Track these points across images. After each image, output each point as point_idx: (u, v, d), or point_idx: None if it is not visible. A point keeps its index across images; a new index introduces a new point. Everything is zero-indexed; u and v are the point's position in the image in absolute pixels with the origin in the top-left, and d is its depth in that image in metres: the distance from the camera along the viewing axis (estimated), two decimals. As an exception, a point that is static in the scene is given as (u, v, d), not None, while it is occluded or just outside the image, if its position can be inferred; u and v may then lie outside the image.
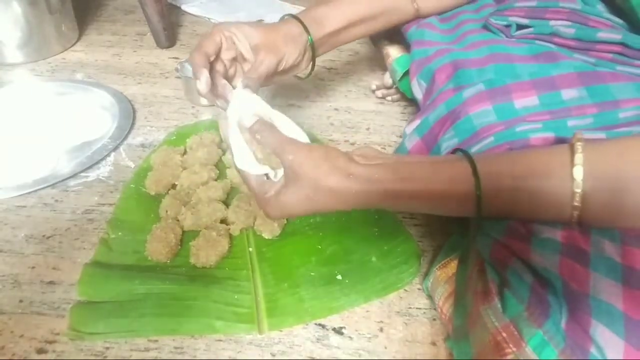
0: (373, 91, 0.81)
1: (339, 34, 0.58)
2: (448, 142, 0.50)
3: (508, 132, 0.44)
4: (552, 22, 0.50)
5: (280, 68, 0.52)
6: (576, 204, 0.32)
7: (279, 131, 0.40)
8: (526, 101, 0.47)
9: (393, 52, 0.68)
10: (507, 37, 0.54)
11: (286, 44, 0.52)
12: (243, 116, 0.43)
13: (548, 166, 0.34)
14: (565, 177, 0.32)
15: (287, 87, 0.82)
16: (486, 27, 0.57)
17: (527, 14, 0.53)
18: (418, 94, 0.58)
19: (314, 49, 0.56)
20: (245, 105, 0.44)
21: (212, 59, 0.50)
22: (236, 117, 0.43)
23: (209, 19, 1.08)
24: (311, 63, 0.58)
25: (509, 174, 0.35)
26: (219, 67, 0.52)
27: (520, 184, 0.34)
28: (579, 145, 0.32)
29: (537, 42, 0.51)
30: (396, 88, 0.75)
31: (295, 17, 0.55)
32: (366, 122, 0.75)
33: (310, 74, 0.60)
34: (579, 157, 0.32)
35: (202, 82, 0.47)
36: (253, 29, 0.52)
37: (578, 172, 0.32)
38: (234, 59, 0.54)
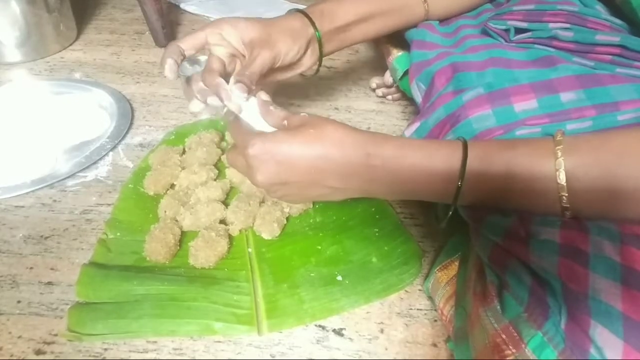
0: (373, 90, 0.80)
1: (348, 29, 0.56)
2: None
3: (507, 137, 0.44)
4: (550, 25, 0.50)
5: (277, 64, 0.51)
6: (565, 204, 0.34)
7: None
8: (525, 104, 0.46)
9: (393, 51, 0.68)
10: (506, 41, 0.54)
11: (283, 38, 0.50)
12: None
13: (532, 170, 0.36)
14: (549, 178, 0.35)
15: (287, 86, 0.81)
16: (485, 31, 0.56)
17: (526, 17, 0.52)
18: (417, 96, 0.57)
19: (320, 44, 0.54)
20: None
21: (186, 53, 0.49)
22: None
23: (207, 17, 1.07)
24: (318, 60, 0.56)
25: (498, 153, 0.37)
26: (217, 64, 0.49)
27: (507, 169, 0.36)
28: (558, 150, 0.34)
29: (535, 46, 0.51)
30: (396, 87, 0.75)
31: (300, 10, 0.54)
32: (366, 122, 0.75)
33: (317, 72, 0.58)
34: (560, 162, 0.34)
35: (166, 69, 0.48)
36: (248, 24, 0.50)
37: (561, 176, 0.34)
38: (233, 56, 0.51)
